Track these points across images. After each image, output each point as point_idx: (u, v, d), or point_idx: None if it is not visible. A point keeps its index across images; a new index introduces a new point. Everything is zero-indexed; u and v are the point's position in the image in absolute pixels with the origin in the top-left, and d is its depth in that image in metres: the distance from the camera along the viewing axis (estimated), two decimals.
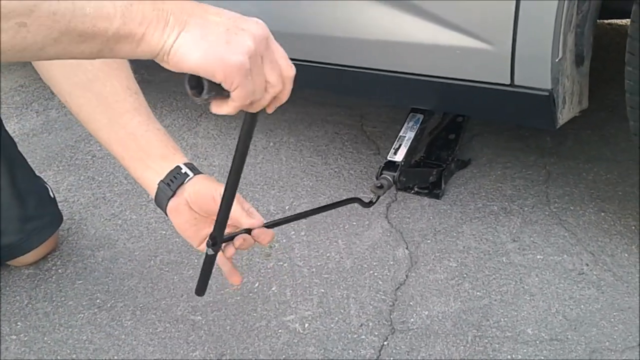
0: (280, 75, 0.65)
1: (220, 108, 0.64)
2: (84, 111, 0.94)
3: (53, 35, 0.54)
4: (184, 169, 0.89)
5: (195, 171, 0.90)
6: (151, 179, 0.91)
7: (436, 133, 1.50)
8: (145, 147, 0.91)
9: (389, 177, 1.24)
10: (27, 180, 1.31)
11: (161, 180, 0.89)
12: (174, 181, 0.88)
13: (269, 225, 0.88)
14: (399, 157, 1.27)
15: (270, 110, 0.69)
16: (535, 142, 1.58)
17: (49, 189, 1.36)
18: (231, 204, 0.78)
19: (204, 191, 0.86)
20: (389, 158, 1.28)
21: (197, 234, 0.90)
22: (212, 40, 0.59)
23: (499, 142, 1.61)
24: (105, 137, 0.93)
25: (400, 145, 1.29)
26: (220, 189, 0.81)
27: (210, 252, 0.82)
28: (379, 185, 1.23)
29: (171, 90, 2.23)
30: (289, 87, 0.67)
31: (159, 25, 0.58)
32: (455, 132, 1.49)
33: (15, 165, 1.29)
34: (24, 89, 2.39)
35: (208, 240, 0.81)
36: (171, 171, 0.89)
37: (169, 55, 0.60)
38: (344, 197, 1.43)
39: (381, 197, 1.41)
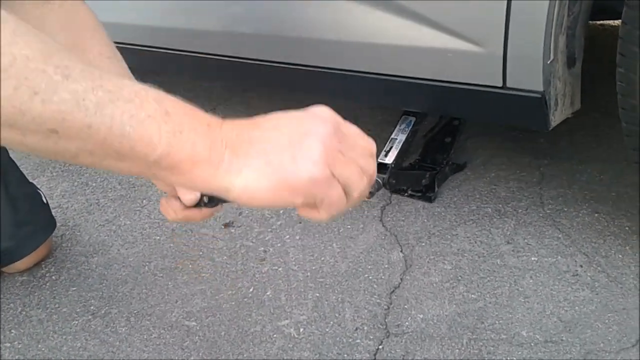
0: (364, 155, 0.58)
1: (310, 214, 0.57)
2: None
3: (87, 148, 0.48)
4: None
5: None
6: None
7: (432, 136, 1.50)
8: None
9: (378, 179, 1.24)
10: (20, 185, 1.31)
11: None
12: None
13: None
14: (390, 159, 1.27)
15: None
16: (529, 144, 1.58)
17: (42, 195, 1.36)
18: None
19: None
20: (379, 160, 1.28)
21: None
22: (276, 164, 0.52)
23: (493, 143, 1.61)
24: None
25: (391, 148, 1.29)
26: None
27: (205, 201, 0.78)
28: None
29: (167, 92, 2.22)
30: (375, 161, 0.60)
31: (212, 159, 0.51)
32: (452, 136, 1.49)
33: (8, 171, 1.29)
34: None
35: (204, 196, 0.77)
36: None
37: (233, 195, 0.53)
38: None
39: (375, 200, 1.42)
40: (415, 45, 1.07)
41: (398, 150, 1.28)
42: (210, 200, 0.76)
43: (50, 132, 0.46)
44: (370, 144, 0.59)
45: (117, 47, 1.75)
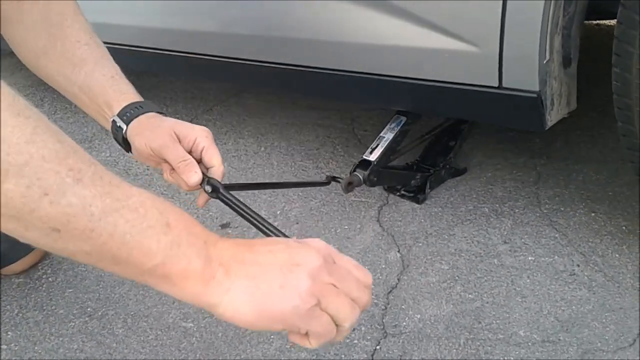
0: (358, 287, 0.59)
1: (300, 341, 0.58)
2: (48, 77, 0.92)
3: (85, 249, 0.50)
4: (118, 122, 0.85)
5: (132, 116, 0.84)
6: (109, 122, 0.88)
7: (435, 137, 1.50)
8: (93, 98, 0.88)
9: (359, 175, 1.24)
10: None
11: (112, 131, 0.87)
12: (117, 134, 0.86)
13: (230, 188, 0.84)
14: (373, 156, 1.27)
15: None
16: (525, 144, 1.59)
17: None
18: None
19: (141, 148, 0.82)
20: (363, 157, 1.28)
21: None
22: (264, 289, 0.54)
23: (489, 143, 1.61)
24: (69, 96, 0.91)
25: (377, 145, 1.29)
26: (161, 129, 0.80)
27: (207, 189, 0.79)
28: (348, 181, 1.24)
29: (161, 96, 2.22)
30: (370, 292, 0.61)
31: (204, 276, 0.54)
32: (456, 139, 1.49)
33: None
34: None
35: (207, 185, 0.78)
36: (112, 123, 0.86)
37: (219, 311, 0.55)
38: (336, 201, 1.43)
39: (372, 200, 1.42)
40: (410, 46, 1.07)
41: (383, 148, 1.28)
42: (213, 190, 0.77)
43: (52, 230, 0.48)
44: (365, 276, 0.61)
45: (114, 48, 1.76)
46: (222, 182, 0.79)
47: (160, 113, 0.87)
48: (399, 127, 1.32)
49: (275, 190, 1.53)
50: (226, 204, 0.78)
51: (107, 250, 0.50)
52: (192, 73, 1.85)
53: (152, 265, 0.52)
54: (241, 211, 0.76)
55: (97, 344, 1.10)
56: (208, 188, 0.78)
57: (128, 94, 0.87)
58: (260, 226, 0.73)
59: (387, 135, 1.31)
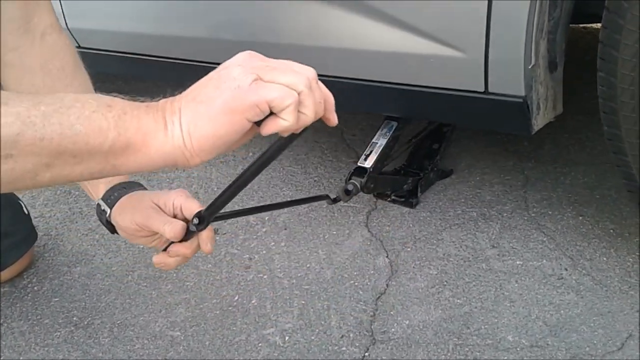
0: (301, 68, 0.58)
1: (276, 126, 0.57)
2: None
3: (44, 161, 0.51)
4: (102, 206, 0.86)
5: (116, 199, 0.85)
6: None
7: (419, 141, 1.50)
8: None
9: (356, 183, 1.24)
10: (1, 196, 1.29)
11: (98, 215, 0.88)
12: (102, 217, 0.87)
13: (223, 217, 0.84)
14: (369, 163, 1.27)
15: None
16: (513, 147, 1.59)
17: (23, 205, 1.34)
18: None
19: (125, 225, 0.82)
20: (358, 164, 1.28)
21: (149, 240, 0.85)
22: (205, 99, 0.55)
23: (477, 147, 1.61)
24: None
25: (371, 152, 1.28)
26: (139, 211, 0.80)
27: (193, 228, 0.79)
28: (346, 190, 1.23)
29: (148, 102, 2.21)
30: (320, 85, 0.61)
31: (158, 125, 0.55)
32: (440, 142, 1.49)
33: None
34: None
35: (194, 218, 0.78)
36: (96, 207, 0.88)
37: (186, 146, 0.55)
38: (324, 206, 1.43)
39: (360, 205, 1.41)
40: (396, 51, 1.06)
41: (378, 154, 1.27)
42: (200, 222, 0.76)
43: (5, 157, 0.49)
44: (306, 68, 0.59)
45: (103, 54, 1.74)
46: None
47: (142, 187, 0.88)
48: (390, 133, 1.32)
49: (264, 196, 1.52)
50: (222, 218, 0.79)
51: (64, 149, 0.51)
52: (181, 79, 1.84)
53: (110, 140, 0.53)
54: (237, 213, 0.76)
55: (83, 353, 1.09)
56: (195, 220, 0.78)
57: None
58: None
59: (380, 141, 1.31)
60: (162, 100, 0.58)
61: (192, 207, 0.79)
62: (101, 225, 1.19)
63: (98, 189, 0.87)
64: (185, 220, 0.80)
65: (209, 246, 0.80)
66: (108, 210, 0.85)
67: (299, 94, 0.56)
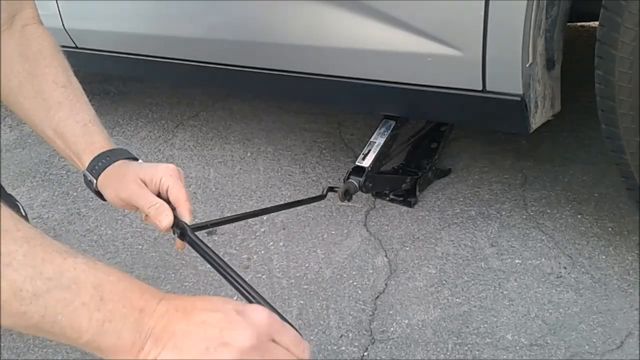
0: None
1: None
2: (22, 113, 0.92)
3: (21, 325, 0.52)
4: (88, 177, 0.86)
5: (100, 168, 0.85)
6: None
7: (417, 141, 1.50)
8: (67, 145, 0.88)
9: (354, 182, 1.23)
10: None
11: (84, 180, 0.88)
12: (90, 186, 0.87)
13: (202, 227, 0.85)
14: (367, 162, 1.27)
15: None
16: (512, 146, 1.59)
17: (21, 207, 1.33)
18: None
19: (110, 198, 0.84)
20: (357, 163, 1.28)
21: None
22: (199, 350, 0.54)
23: (476, 146, 1.61)
24: (44, 137, 0.91)
25: (369, 151, 1.28)
26: (129, 176, 0.81)
27: (175, 233, 0.79)
28: (344, 190, 1.23)
29: (146, 102, 2.21)
30: None
31: (133, 351, 0.54)
32: (438, 141, 1.49)
33: None
34: None
35: (175, 229, 0.78)
36: (83, 177, 0.88)
37: None
38: (322, 206, 1.43)
39: (359, 205, 1.41)
40: (394, 50, 1.06)
41: (376, 153, 1.27)
42: (181, 235, 0.77)
43: None
44: (303, 352, 0.59)
45: (99, 54, 1.74)
46: (198, 221, 0.79)
47: (129, 158, 0.87)
48: (389, 132, 1.31)
49: (262, 196, 1.52)
50: (193, 247, 0.78)
51: (41, 328, 0.52)
52: (178, 79, 1.84)
53: (84, 341, 0.53)
54: (207, 256, 0.76)
55: (81, 355, 1.08)
56: (177, 231, 0.78)
57: (98, 144, 0.87)
58: (226, 275, 0.71)
59: (378, 140, 1.31)
60: (159, 313, 0.56)
61: (179, 194, 0.79)
62: (99, 226, 1.20)
63: (82, 160, 0.86)
64: (168, 201, 0.79)
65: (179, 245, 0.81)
66: (94, 181, 0.85)
67: None
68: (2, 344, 1.13)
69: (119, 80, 2.43)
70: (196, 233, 0.78)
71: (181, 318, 0.56)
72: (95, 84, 2.41)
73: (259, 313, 0.57)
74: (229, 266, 0.72)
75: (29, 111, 0.90)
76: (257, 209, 1.28)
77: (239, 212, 1.45)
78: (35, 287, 0.51)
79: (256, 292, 0.69)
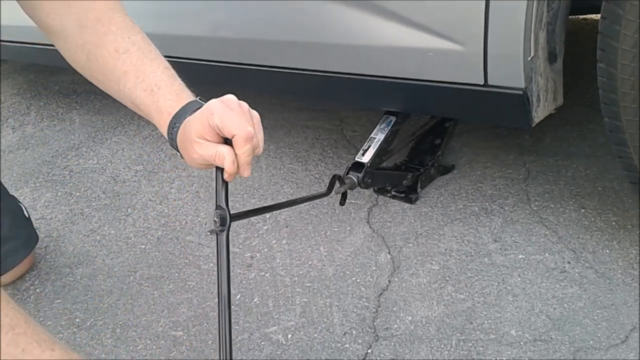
0: None
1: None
2: (103, 88, 0.91)
3: None
4: (174, 150, 0.84)
5: (174, 134, 0.82)
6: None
7: (421, 137, 1.50)
8: (145, 115, 0.86)
9: (353, 178, 1.23)
10: (1, 200, 1.29)
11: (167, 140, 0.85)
12: (172, 139, 0.83)
13: (239, 216, 0.83)
14: (366, 158, 1.26)
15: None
16: (514, 140, 1.58)
17: (24, 209, 1.34)
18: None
19: (189, 161, 0.80)
20: (356, 159, 1.27)
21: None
22: None
23: (478, 141, 1.60)
24: (131, 108, 0.90)
25: (369, 147, 1.28)
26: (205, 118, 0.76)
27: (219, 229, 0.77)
28: (344, 184, 1.22)
29: None
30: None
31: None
32: (442, 137, 1.48)
33: None
34: None
35: (215, 220, 0.76)
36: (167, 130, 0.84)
37: None
38: (325, 203, 1.42)
39: (361, 202, 1.41)
40: (396, 46, 1.06)
41: (376, 149, 1.26)
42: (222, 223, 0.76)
43: None
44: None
45: None
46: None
47: (193, 111, 0.81)
48: (389, 127, 1.31)
49: (265, 194, 1.52)
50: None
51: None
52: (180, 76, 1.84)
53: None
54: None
55: (85, 355, 1.08)
56: (217, 221, 0.77)
57: (165, 111, 0.83)
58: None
59: (378, 136, 1.30)
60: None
61: (227, 123, 0.72)
62: (102, 226, 1.19)
63: (161, 128, 0.84)
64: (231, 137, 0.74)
65: (247, 171, 0.75)
66: (178, 153, 0.83)
67: None
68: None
69: None
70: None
71: None
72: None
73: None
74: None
75: (105, 85, 0.89)
76: (256, 206, 1.28)
77: (242, 210, 1.45)
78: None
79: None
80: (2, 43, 2.02)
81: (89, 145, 1.93)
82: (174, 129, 0.81)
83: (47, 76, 2.66)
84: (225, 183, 0.76)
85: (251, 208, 1.43)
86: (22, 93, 2.49)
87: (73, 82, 2.53)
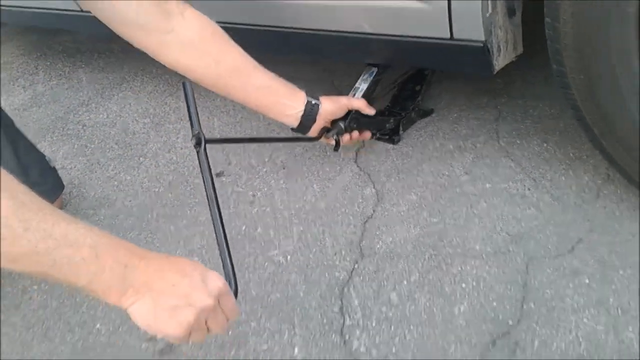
0: (221, 327, 0.82)
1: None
2: (221, 87, 1.25)
3: (35, 270, 0.70)
4: (313, 101, 1.28)
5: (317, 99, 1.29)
6: (291, 114, 1.27)
7: (402, 84, 1.65)
8: (276, 94, 1.28)
9: (340, 124, 1.38)
10: (28, 152, 1.44)
11: (302, 115, 1.27)
12: (312, 112, 1.28)
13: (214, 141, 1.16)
14: None
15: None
16: (489, 85, 1.73)
17: (49, 160, 1.50)
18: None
19: (333, 110, 1.31)
20: None
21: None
22: (158, 312, 0.75)
23: (455, 87, 1.76)
24: (241, 98, 1.27)
25: (354, 96, 1.44)
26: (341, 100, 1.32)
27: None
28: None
29: (150, 59, 2.33)
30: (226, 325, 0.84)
31: (118, 295, 0.74)
32: (421, 84, 1.64)
33: (16, 139, 1.42)
34: (8, 66, 2.49)
35: (193, 138, 1.03)
36: (306, 105, 1.27)
37: (127, 312, 0.75)
38: (317, 146, 1.59)
39: (351, 146, 1.57)
40: (372, 5, 1.20)
41: (360, 97, 1.42)
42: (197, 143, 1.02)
43: (10, 261, 0.68)
44: (233, 315, 0.85)
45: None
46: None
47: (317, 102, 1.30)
48: (371, 77, 1.46)
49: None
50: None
51: (50, 274, 0.70)
52: None
53: (81, 284, 0.72)
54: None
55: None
56: (193, 141, 0.99)
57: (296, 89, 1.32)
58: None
59: (362, 86, 1.46)
60: (140, 269, 0.75)
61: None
62: (118, 173, 1.34)
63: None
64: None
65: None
66: (319, 102, 1.30)
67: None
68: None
69: (123, 40, 2.55)
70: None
71: (157, 277, 0.76)
72: (100, 43, 2.53)
73: (215, 282, 0.81)
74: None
75: (230, 95, 1.29)
76: (258, 154, 1.44)
77: (243, 155, 1.62)
78: (47, 245, 0.68)
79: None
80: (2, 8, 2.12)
81: (97, 101, 2.08)
82: (316, 101, 1.29)
83: (50, 37, 2.77)
84: (195, 108, 1.05)
85: (250, 152, 1.60)
86: (28, 54, 2.61)
87: (75, 41, 2.65)
